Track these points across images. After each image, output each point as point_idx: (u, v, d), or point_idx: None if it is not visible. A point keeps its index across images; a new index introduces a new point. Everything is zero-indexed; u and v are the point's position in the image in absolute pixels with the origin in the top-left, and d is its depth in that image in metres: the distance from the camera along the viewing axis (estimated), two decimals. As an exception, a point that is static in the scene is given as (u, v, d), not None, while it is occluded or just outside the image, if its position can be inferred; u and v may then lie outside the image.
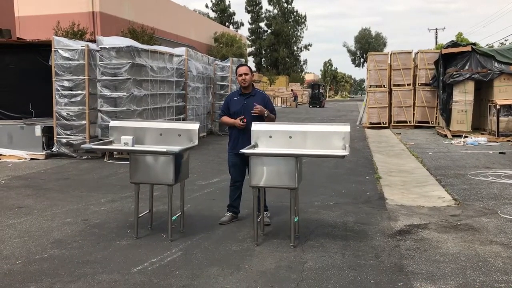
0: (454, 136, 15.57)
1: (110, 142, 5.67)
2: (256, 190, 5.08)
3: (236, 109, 5.79)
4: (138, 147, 5.40)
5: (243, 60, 20.76)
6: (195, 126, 5.54)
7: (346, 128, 5.21)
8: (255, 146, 5.31)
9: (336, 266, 4.45)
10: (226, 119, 5.89)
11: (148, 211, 5.72)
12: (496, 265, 4.44)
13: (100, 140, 10.12)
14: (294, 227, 5.06)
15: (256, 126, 5.38)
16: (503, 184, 8.12)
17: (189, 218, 5.95)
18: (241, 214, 6.09)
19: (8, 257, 4.72)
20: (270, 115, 5.73)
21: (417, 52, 20.10)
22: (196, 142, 5.46)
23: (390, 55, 20.70)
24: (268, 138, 5.32)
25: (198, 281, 4.13)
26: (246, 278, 4.19)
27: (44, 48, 11.99)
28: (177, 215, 5.49)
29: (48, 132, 11.51)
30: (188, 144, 5.40)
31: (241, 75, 5.78)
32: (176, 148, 5.08)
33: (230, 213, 5.96)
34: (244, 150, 5.02)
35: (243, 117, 5.66)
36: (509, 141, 14.03)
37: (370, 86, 20.87)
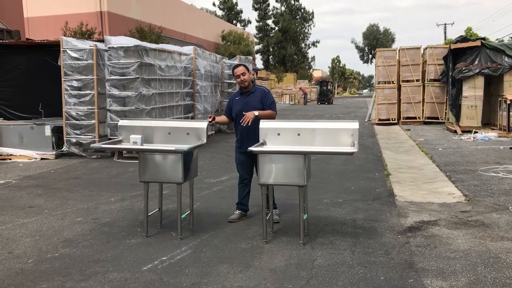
0: (464, 131, 15.45)
1: (119, 141, 5.70)
2: (265, 187, 5.09)
3: (238, 108, 5.77)
4: (147, 146, 5.43)
5: (250, 58, 20.71)
6: (203, 124, 5.56)
7: (355, 124, 5.19)
8: (264, 143, 5.31)
9: (346, 263, 4.44)
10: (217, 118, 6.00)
11: (157, 209, 5.75)
12: (507, 261, 4.40)
13: (110, 139, 10.15)
14: (303, 224, 5.05)
15: (264, 124, 5.38)
16: (514, 179, 8.05)
17: (199, 216, 5.96)
18: (250, 212, 6.09)
19: (20, 256, 4.77)
20: (263, 113, 5.56)
21: (426, 48, 19.94)
22: (205, 140, 5.47)
23: (399, 51, 20.56)
24: (276, 135, 5.31)
25: (208, 279, 4.14)
26: (255, 275, 4.20)
27: (53, 49, 12.07)
28: (186, 213, 5.51)
29: (57, 132, 11.59)
30: (197, 143, 5.40)
31: (238, 76, 5.73)
32: (184, 147, 5.09)
33: (239, 211, 5.96)
34: (252, 148, 5.02)
35: (211, 115, 5.70)
36: (520, 136, 13.91)
37: (379, 82, 20.76)
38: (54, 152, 11.41)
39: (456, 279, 4.03)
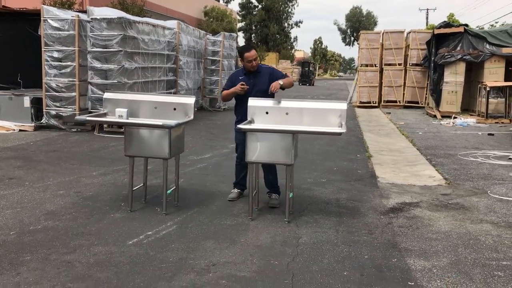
0: (443, 116, 15.67)
1: (104, 115, 5.61)
2: (253, 165, 5.09)
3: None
4: (133, 120, 5.35)
5: (235, 35, 20.47)
6: (191, 100, 5.50)
7: (343, 105, 5.22)
8: (251, 122, 5.29)
9: (330, 242, 4.50)
10: (226, 91, 5.66)
11: (142, 184, 5.69)
12: (486, 243, 4.53)
13: (90, 112, 9.99)
14: (289, 202, 5.09)
15: (252, 102, 5.34)
16: (492, 165, 8.23)
17: (183, 192, 5.93)
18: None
19: (1, 228, 4.69)
20: (286, 81, 5.57)
21: (409, 32, 20.04)
22: (192, 117, 5.42)
23: (382, 34, 20.61)
24: (265, 114, 5.30)
25: (195, 254, 4.14)
26: (242, 251, 4.22)
27: (32, 18, 11.72)
28: (171, 189, 5.48)
29: (37, 103, 11.34)
30: (184, 118, 5.35)
31: (250, 61, 5.51)
32: (172, 122, 5.04)
33: (238, 190, 5.90)
34: (241, 126, 4.99)
35: (243, 83, 5.48)
36: (497, 122, 14.18)
37: (362, 65, 20.82)
38: (33, 124, 11.18)
39: (438, 259, 4.13)
